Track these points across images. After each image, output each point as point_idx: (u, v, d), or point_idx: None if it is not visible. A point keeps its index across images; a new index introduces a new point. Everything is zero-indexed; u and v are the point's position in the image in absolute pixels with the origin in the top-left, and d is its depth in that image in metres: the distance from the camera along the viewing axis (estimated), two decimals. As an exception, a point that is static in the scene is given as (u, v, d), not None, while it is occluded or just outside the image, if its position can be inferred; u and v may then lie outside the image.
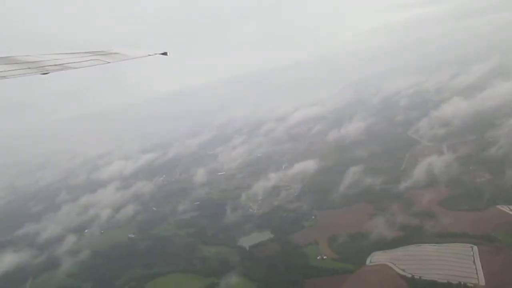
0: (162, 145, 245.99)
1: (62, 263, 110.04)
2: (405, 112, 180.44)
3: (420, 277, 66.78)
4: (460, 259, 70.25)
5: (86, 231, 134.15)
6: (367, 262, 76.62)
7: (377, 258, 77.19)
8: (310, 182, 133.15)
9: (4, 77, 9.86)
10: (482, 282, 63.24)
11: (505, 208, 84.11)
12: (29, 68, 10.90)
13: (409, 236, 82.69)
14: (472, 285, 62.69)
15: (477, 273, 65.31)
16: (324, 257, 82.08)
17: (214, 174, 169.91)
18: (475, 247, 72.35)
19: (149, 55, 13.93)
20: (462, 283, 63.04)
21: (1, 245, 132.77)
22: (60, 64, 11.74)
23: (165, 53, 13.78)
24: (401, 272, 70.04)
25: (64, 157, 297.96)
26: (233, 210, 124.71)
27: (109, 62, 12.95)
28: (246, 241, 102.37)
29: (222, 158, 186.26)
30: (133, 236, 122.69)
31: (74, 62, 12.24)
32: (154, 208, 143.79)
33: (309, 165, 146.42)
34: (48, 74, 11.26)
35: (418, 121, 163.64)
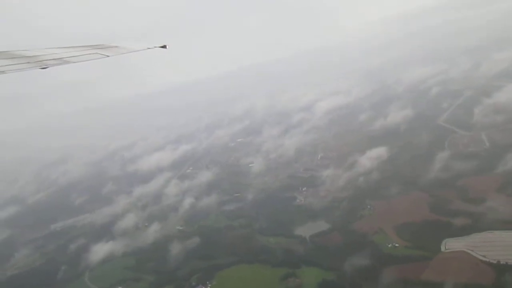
0: (188, 136, 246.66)
1: (116, 254, 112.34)
2: (439, 101, 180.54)
3: (506, 262, 68.33)
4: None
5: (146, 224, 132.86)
6: (442, 249, 78.16)
7: (451, 245, 78.69)
8: (357, 172, 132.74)
9: (3, 72, 9.93)
10: None
11: None
12: (28, 62, 10.94)
13: (477, 223, 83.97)
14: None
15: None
16: (396, 245, 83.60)
17: (263, 164, 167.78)
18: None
19: (149, 48, 14.05)
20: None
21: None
22: (59, 59, 11.81)
23: (164, 46, 13.91)
24: (483, 259, 71.59)
25: (82, 151, 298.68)
26: (281, 201, 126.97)
27: (108, 56, 12.98)
28: (303, 231, 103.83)
29: (266, 149, 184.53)
30: (181, 228, 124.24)
31: (73, 56, 12.32)
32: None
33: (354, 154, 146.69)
34: (48, 68, 11.35)
35: (457, 110, 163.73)
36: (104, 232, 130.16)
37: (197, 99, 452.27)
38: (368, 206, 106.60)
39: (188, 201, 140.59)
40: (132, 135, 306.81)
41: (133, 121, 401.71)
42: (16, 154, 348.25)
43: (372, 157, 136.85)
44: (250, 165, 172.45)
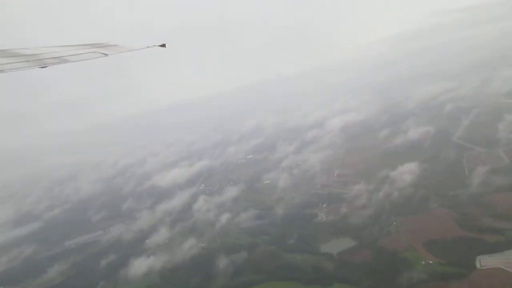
0: (199, 153, 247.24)
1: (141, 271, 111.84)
2: (454, 117, 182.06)
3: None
4: None
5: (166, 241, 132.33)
6: (477, 265, 78.16)
7: (486, 262, 78.64)
8: (378, 189, 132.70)
9: (2, 70, 9.83)
10: None
11: None
12: (27, 61, 10.88)
13: (510, 239, 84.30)
14: None
15: None
16: (430, 262, 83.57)
17: (280, 181, 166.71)
18: None
19: (148, 47, 13.99)
20: None
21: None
22: (58, 57, 11.78)
23: (163, 45, 13.92)
24: (522, 276, 71.62)
25: (91, 167, 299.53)
26: (302, 217, 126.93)
27: (107, 55, 12.98)
28: (330, 248, 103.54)
29: (281, 165, 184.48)
30: (203, 245, 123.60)
31: (73, 55, 12.29)
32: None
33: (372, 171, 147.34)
34: (47, 70, 11.29)
35: (472, 126, 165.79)
36: (132, 247, 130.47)
37: (203, 116, 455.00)
38: (394, 223, 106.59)
39: (207, 218, 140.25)
40: (141, 152, 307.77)
41: (139, 138, 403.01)
42: (24, 171, 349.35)
43: (391, 174, 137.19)
44: (265, 182, 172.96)
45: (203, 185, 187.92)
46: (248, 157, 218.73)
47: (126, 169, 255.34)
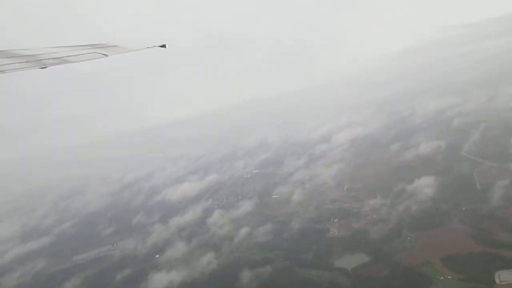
0: (206, 168, 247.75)
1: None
2: (462, 132, 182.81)
3: None
4: None
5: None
6: (497, 281, 77.38)
7: (506, 277, 76.84)
8: (389, 203, 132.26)
9: (2, 71, 9.83)
10: None
11: None
12: (27, 62, 10.83)
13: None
14: None
15: None
16: (449, 277, 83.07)
17: (288, 195, 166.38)
18: None
19: (148, 47, 13.96)
20: None
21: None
22: (58, 58, 11.72)
23: (163, 46, 13.86)
24: (543, 291, 70.96)
25: (96, 182, 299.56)
26: (313, 232, 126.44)
27: (107, 55, 12.92)
28: (344, 263, 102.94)
29: (289, 180, 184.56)
30: (215, 260, 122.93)
31: (73, 56, 12.25)
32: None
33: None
34: (46, 69, 11.22)
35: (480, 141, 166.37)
36: (146, 262, 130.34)
37: (206, 131, 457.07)
38: (409, 238, 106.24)
39: (219, 233, 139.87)
40: (147, 167, 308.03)
41: (143, 153, 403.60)
42: (28, 185, 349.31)
43: (403, 188, 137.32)
44: (273, 196, 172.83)
45: (210, 199, 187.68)
46: (254, 171, 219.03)
47: (133, 184, 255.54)
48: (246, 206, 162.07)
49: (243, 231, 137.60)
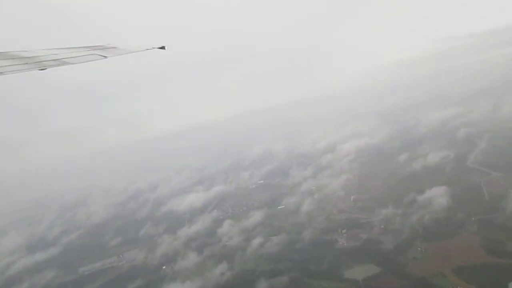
0: (211, 178, 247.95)
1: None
2: (467, 142, 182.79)
3: None
4: None
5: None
6: (511, 292, 77.32)
7: (519, 288, 77.87)
8: (398, 214, 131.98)
9: (1, 73, 9.77)
10: None
11: None
12: (26, 63, 10.79)
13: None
14: None
15: None
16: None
17: (295, 206, 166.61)
18: None
19: (147, 49, 13.91)
20: None
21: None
22: (57, 59, 11.67)
23: (163, 47, 13.82)
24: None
25: (100, 193, 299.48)
26: (322, 243, 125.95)
27: (106, 57, 12.87)
28: (354, 275, 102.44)
29: (295, 190, 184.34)
30: (224, 272, 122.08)
31: (72, 57, 12.18)
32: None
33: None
34: (45, 70, 11.15)
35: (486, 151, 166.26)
36: (156, 272, 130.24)
37: (207, 142, 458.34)
38: (419, 248, 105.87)
39: (226, 244, 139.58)
40: (151, 177, 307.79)
41: (146, 164, 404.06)
42: (32, 196, 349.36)
43: (410, 199, 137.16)
44: (279, 207, 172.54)
45: (215, 210, 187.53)
46: (259, 182, 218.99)
47: (137, 194, 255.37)
48: (254, 217, 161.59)
49: (251, 242, 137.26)
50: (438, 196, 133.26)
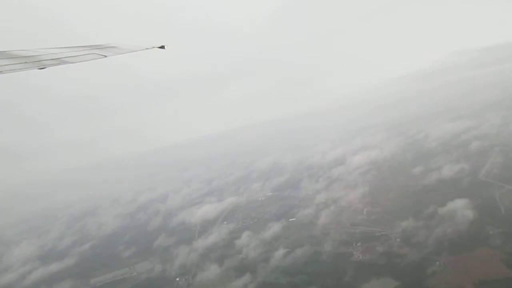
0: (222, 189, 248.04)
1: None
2: (479, 155, 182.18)
3: None
4: None
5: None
6: (536, 308, 76.38)
7: (545, 304, 76.97)
8: (414, 227, 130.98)
9: (0, 71, 9.76)
10: None
11: None
12: (25, 62, 10.76)
13: None
14: None
15: None
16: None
17: (307, 218, 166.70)
18: None
19: (147, 48, 13.97)
20: None
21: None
22: (57, 59, 11.66)
23: (162, 47, 13.82)
24: None
25: (108, 203, 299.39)
26: (336, 256, 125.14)
27: (106, 56, 12.85)
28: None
29: (307, 203, 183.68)
30: (239, 285, 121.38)
31: (71, 57, 12.18)
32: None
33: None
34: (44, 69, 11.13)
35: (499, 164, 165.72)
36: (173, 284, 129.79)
37: (215, 153, 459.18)
38: (437, 262, 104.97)
39: (238, 256, 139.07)
40: (159, 188, 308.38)
41: (153, 175, 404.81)
42: (39, 206, 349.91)
43: (425, 212, 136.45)
44: (290, 219, 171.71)
45: (225, 222, 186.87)
46: (268, 194, 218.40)
47: (147, 205, 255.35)
48: (266, 229, 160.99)
49: (265, 254, 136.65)
50: (453, 209, 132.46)
